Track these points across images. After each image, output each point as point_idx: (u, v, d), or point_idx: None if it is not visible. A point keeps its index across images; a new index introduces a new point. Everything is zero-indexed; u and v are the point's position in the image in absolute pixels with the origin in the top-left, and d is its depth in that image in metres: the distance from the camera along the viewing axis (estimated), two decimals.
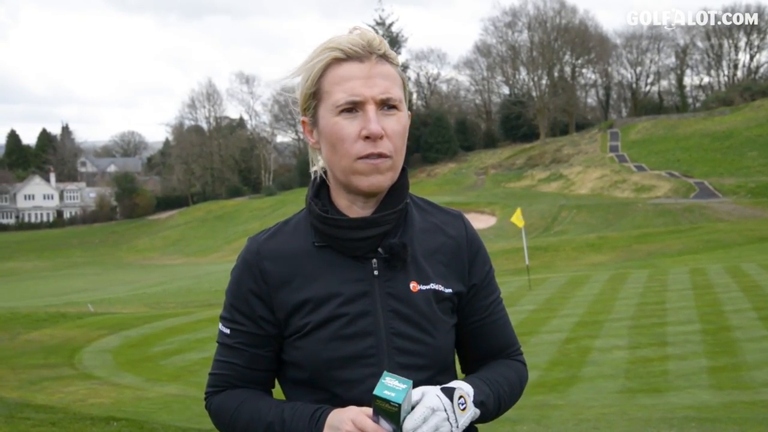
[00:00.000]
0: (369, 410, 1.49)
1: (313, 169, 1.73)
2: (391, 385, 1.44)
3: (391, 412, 1.44)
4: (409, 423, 1.45)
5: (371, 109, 1.55)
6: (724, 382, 9.19)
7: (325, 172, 1.70)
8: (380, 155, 1.55)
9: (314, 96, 1.61)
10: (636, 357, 11.05)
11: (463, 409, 1.52)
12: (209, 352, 1.77)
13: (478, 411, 1.57)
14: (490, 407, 1.62)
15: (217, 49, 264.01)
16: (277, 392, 1.74)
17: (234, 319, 1.68)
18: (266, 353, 1.67)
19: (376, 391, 1.44)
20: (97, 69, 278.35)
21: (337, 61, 1.58)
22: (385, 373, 1.47)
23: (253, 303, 1.65)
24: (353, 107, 1.56)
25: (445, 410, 1.48)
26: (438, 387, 1.53)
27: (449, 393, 1.51)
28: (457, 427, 1.49)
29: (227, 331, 1.69)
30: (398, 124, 1.59)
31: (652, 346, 11.70)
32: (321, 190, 1.69)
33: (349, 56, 1.57)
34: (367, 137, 1.54)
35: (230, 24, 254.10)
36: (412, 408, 1.48)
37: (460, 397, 1.52)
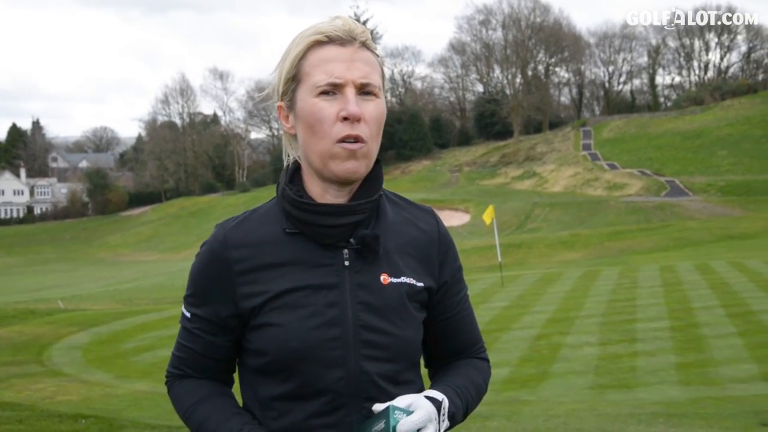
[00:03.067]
0: None
1: (286, 157, 1.70)
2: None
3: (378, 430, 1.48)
4: (405, 426, 1.45)
5: (350, 91, 1.54)
6: (691, 378, 9.31)
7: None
8: (357, 138, 1.54)
9: (294, 79, 1.59)
10: (606, 353, 11.15)
11: (443, 421, 1.54)
12: None
13: (448, 423, 1.58)
14: (458, 419, 1.63)
15: (184, 44, 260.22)
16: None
17: (195, 303, 1.67)
18: (224, 342, 1.65)
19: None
20: (62, 64, 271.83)
21: (318, 44, 1.56)
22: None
23: (214, 292, 1.63)
24: (332, 89, 1.54)
25: (436, 421, 1.51)
26: (424, 396, 1.54)
27: (437, 404, 1.53)
28: None
29: (188, 314, 1.68)
30: (376, 109, 1.57)
31: (622, 342, 11.81)
32: (295, 176, 1.66)
33: (331, 39, 1.56)
34: (345, 118, 1.53)
35: (196, 19, 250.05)
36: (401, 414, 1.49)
37: (443, 408, 1.55)
